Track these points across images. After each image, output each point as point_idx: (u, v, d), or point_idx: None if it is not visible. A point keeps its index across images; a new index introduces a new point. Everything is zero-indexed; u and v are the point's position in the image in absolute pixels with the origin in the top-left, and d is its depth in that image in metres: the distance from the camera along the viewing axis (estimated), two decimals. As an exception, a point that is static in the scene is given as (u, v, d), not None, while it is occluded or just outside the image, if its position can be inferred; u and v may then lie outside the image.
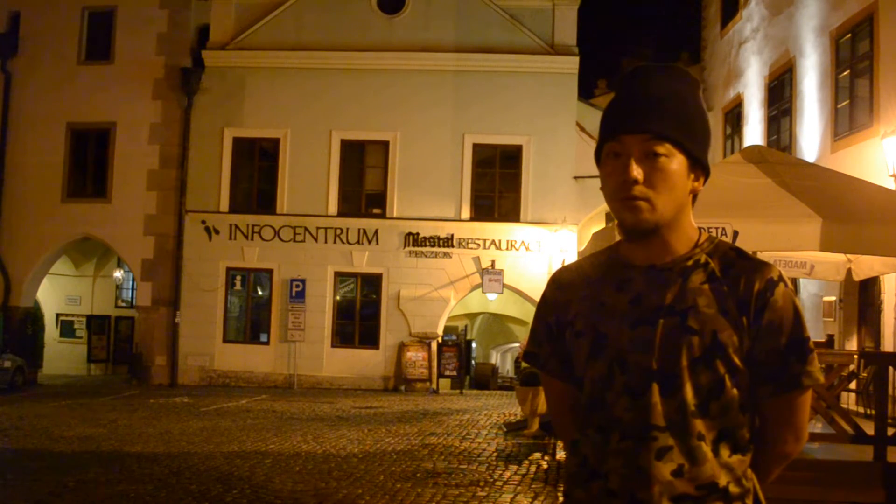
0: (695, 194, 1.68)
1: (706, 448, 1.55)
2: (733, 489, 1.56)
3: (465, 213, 19.66)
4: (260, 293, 20.36)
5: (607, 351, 1.63)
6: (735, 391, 1.58)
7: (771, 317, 1.58)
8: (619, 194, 1.62)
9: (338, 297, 20.02)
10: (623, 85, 1.71)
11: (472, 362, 23.99)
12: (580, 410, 1.69)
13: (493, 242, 19.48)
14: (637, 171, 1.59)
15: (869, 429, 6.04)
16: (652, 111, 1.62)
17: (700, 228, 1.71)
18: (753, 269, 1.62)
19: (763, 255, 8.38)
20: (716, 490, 1.54)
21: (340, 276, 20.03)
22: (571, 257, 17.99)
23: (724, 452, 1.57)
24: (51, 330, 23.14)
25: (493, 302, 22.40)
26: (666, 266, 1.65)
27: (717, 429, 1.57)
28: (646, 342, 1.59)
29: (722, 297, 1.60)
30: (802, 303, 14.26)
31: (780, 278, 1.61)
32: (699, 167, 1.66)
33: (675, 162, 1.61)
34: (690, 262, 1.65)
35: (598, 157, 1.70)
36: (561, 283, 1.79)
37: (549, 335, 1.78)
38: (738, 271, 1.62)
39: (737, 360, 1.58)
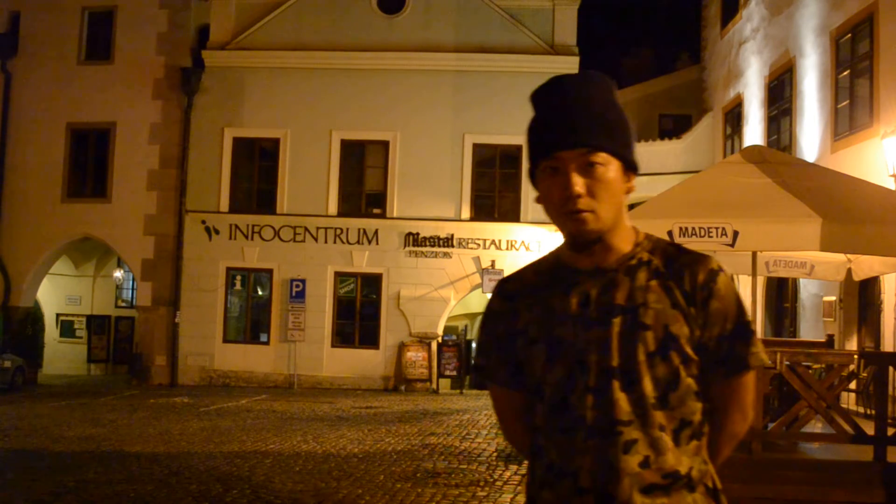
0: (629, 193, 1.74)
1: (667, 438, 1.61)
2: (694, 474, 1.63)
3: (465, 213, 19.66)
4: (260, 293, 20.36)
5: (566, 355, 1.67)
6: (690, 380, 1.64)
7: (717, 305, 1.66)
8: (565, 208, 1.65)
9: (338, 297, 20.03)
10: (542, 99, 1.72)
11: (472, 362, 23.96)
12: (539, 416, 1.71)
13: (493, 242, 19.48)
14: (580, 186, 1.63)
15: (869, 429, 6.05)
16: (583, 123, 1.65)
17: (635, 228, 1.76)
18: (695, 262, 1.69)
19: (763, 255, 8.38)
20: (679, 477, 1.60)
21: (340, 276, 20.04)
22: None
23: (684, 440, 1.63)
24: (51, 330, 23.16)
25: (493, 302, 22.36)
26: (611, 267, 1.69)
27: (676, 419, 1.63)
28: (603, 342, 1.64)
29: (669, 291, 1.66)
30: (802, 303, 14.32)
31: (720, 268, 1.70)
32: (631, 168, 1.71)
33: (612, 169, 1.66)
34: (634, 261, 1.70)
35: (532, 173, 1.72)
36: (506, 293, 1.81)
37: (497, 345, 1.80)
38: (680, 265, 1.68)
39: (689, 349, 1.64)
